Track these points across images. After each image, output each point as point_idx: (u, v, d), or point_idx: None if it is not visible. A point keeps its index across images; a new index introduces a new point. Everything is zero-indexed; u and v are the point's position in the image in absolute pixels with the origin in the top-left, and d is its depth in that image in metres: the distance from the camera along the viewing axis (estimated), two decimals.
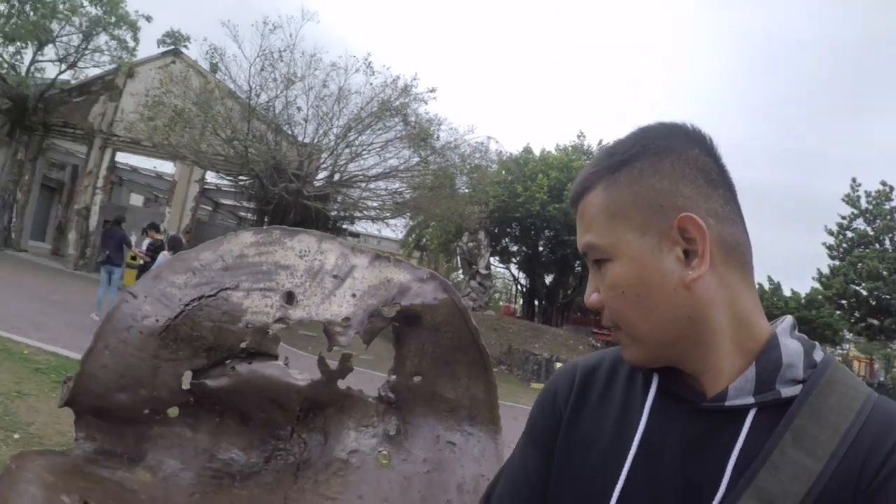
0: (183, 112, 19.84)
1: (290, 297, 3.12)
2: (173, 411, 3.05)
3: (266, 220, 21.03)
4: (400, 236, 34.03)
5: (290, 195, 19.10)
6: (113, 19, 23.86)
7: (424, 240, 35.85)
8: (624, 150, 0.92)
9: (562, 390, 1.03)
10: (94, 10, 23.89)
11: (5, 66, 24.16)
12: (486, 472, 2.85)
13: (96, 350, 3.02)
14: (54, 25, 23.54)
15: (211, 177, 24.72)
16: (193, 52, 23.64)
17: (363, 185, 21.61)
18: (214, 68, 21.18)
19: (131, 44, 24.75)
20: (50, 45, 24.22)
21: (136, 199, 36.70)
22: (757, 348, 0.87)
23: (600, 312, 0.95)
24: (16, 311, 11.20)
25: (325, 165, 21.29)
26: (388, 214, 22.68)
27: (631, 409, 0.94)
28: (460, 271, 31.32)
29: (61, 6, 23.19)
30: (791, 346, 0.87)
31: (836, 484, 0.77)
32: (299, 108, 20.47)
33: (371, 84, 20.20)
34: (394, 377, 3.26)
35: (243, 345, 3.01)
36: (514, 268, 35.69)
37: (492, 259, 30.26)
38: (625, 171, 0.91)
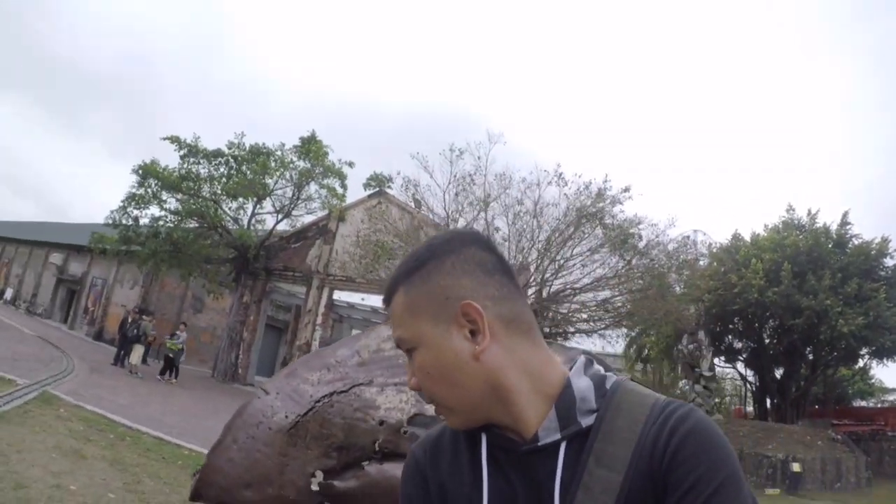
0: (385, 245, 20.80)
1: None
2: None
3: None
4: (619, 349, 32.95)
5: None
6: (320, 170, 26.20)
7: (646, 350, 34.21)
8: (416, 258, 1.09)
9: (420, 459, 1.15)
10: (302, 164, 26.41)
11: (229, 219, 27.06)
12: None
13: (224, 443, 2.90)
14: (269, 181, 26.24)
15: None
16: (397, 190, 24.95)
17: (571, 298, 20.96)
18: (417, 203, 22.05)
19: (340, 190, 26.89)
20: (267, 199, 26.99)
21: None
22: (555, 393, 1.03)
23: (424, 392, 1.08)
24: None
25: (531, 283, 20.81)
26: (601, 326, 21.69)
27: (476, 464, 1.06)
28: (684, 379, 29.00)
29: (273, 164, 25.91)
30: (582, 384, 1.04)
31: (638, 486, 0.92)
32: (497, 229, 20.49)
33: (565, 195, 20.04)
34: None
35: (377, 444, 2.76)
36: (740, 366, 32.58)
37: (715, 360, 27.76)
38: (417, 274, 1.07)
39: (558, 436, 0.99)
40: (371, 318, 33.02)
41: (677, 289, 22.61)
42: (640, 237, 20.36)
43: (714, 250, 26.24)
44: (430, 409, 2.72)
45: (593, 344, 23.93)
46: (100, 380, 15.69)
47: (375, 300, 27.55)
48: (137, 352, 19.79)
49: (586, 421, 0.99)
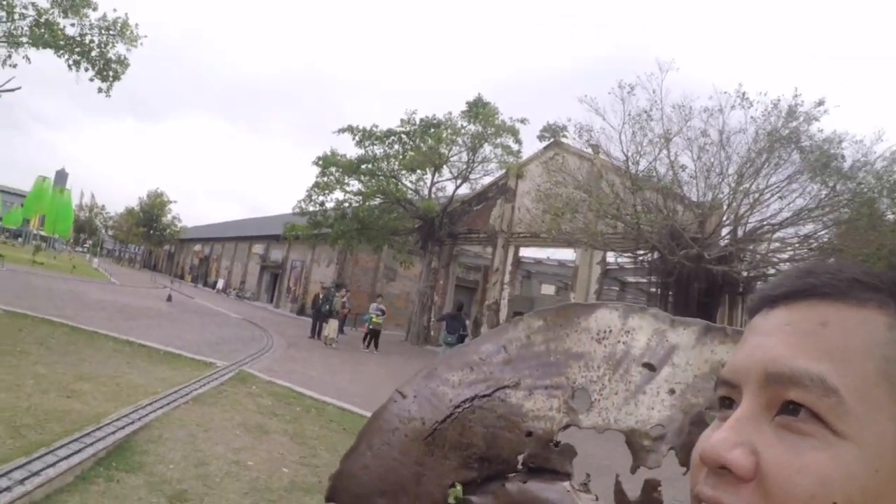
0: (570, 199, 19.85)
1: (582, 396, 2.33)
2: None
3: (670, 293, 19.52)
4: None
5: (691, 262, 17.39)
6: (492, 130, 26.13)
7: None
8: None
9: None
10: (473, 128, 26.58)
11: (410, 192, 28.02)
12: None
13: (359, 450, 2.57)
14: (444, 150, 26.69)
15: (613, 256, 23.74)
16: (571, 138, 24.15)
17: (770, 236, 18.90)
18: (595, 149, 20.94)
19: (514, 147, 26.79)
20: (444, 167, 27.58)
21: (548, 289, 38.31)
22: None
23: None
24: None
25: (725, 222, 19.07)
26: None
27: None
28: None
29: (445, 133, 26.13)
30: None
31: None
32: (683, 167, 18.86)
33: (752, 118, 17.97)
34: None
35: (521, 458, 2.31)
36: None
37: None
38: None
39: None
40: (560, 271, 32.50)
41: (891, 216, 19.80)
42: (844, 158, 17.67)
43: None
44: (584, 420, 2.18)
45: None
46: (295, 353, 16.53)
47: (561, 255, 26.97)
48: (332, 325, 20.76)
49: None
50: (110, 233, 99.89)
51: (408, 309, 35.23)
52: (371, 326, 21.42)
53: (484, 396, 2.45)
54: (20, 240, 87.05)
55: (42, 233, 70.22)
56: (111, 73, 14.13)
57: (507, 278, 26.35)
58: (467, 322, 15.08)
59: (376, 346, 21.35)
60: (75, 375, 8.88)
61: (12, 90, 13.64)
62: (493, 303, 26.31)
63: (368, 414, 7.42)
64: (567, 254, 26.31)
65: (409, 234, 28.99)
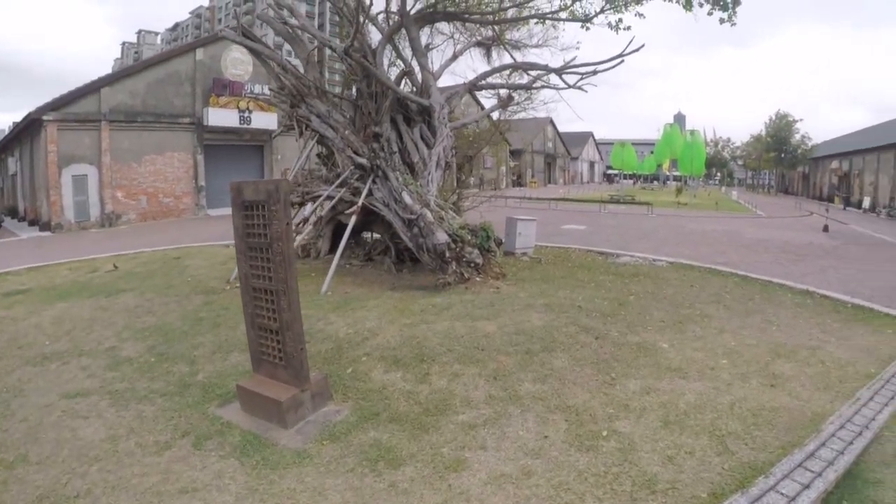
0: None
1: None
2: None
3: None
4: None
5: None
6: None
7: None
8: None
9: None
10: None
11: None
12: None
13: None
14: None
15: None
16: None
17: None
18: None
19: None
20: None
21: None
22: None
23: None
24: None
25: None
26: None
27: None
28: None
29: None
30: None
31: None
32: None
33: None
34: None
35: None
36: None
37: None
38: None
39: None
40: None
41: None
42: None
43: None
44: None
45: None
46: None
47: None
48: None
49: None
50: (739, 162, 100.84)
51: None
52: None
53: None
54: (655, 183, 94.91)
55: (676, 173, 74.52)
56: (730, 1, 13.39)
57: None
58: None
59: None
60: (769, 348, 7.99)
61: (636, 50, 13.96)
62: None
63: None
64: None
65: None
